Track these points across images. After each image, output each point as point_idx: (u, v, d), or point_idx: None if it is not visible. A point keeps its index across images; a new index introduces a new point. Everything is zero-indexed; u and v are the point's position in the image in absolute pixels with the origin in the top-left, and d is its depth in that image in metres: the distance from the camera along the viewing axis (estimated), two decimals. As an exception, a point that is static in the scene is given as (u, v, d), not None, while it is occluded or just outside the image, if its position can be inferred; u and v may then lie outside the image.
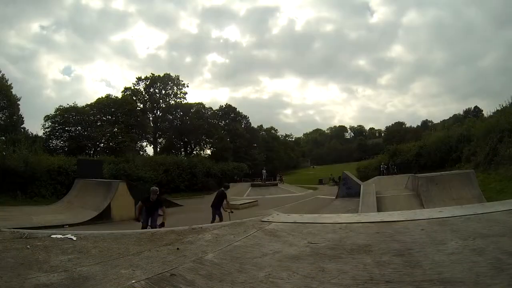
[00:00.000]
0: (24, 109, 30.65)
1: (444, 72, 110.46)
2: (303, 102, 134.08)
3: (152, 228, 6.24)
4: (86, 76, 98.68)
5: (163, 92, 41.85)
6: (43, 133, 29.61)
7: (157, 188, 6.66)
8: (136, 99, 39.72)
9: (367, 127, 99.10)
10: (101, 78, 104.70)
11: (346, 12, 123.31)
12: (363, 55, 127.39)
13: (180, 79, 43.03)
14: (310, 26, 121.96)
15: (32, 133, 29.13)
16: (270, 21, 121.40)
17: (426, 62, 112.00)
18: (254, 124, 52.85)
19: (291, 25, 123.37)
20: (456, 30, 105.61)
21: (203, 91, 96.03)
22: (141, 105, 40.30)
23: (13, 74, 63.74)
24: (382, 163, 28.49)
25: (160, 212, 6.64)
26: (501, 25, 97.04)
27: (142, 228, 6.30)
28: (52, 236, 1.55)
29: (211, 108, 46.06)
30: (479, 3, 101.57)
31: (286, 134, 71.61)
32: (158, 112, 41.63)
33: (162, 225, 6.22)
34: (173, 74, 43.11)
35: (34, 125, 73.82)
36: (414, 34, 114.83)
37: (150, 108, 41.07)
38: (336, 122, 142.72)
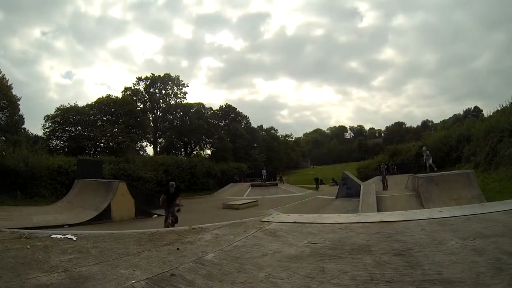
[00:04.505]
0: (27, 111, 30.86)
1: (436, 74, 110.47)
2: (299, 103, 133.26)
3: (171, 213, 7.91)
4: (86, 79, 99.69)
5: (163, 92, 41.81)
6: (43, 133, 29.61)
7: (173, 182, 8.42)
8: (136, 99, 39.68)
9: (366, 127, 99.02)
10: (101, 82, 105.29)
11: (336, 17, 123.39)
12: (355, 58, 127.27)
13: (180, 79, 43.04)
14: (301, 31, 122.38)
15: (32, 134, 29.16)
16: (262, 27, 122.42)
17: (418, 64, 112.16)
18: (254, 124, 52.84)
19: (282, 30, 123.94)
20: (445, 33, 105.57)
21: (200, 94, 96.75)
22: (141, 105, 40.26)
23: (17, 77, 64.99)
24: (382, 163, 28.47)
25: (177, 201, 8.25)
26: (489, 28, 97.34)
27: (165, 214, 8.04)
28: (52, 236, 1.55)
29: (211, 108, 46.09)
30: (466, 6, 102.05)
31: (286, 134, 71.51)
32: (158, 112, 41.60)
33: (178, 210, 8.09)
34: (173, 75, 43.12)
35: (37, 127, 74.59)
36: (404, 37, 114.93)
37: (150, 108, 41.04)
38: (333, 123, 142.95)
